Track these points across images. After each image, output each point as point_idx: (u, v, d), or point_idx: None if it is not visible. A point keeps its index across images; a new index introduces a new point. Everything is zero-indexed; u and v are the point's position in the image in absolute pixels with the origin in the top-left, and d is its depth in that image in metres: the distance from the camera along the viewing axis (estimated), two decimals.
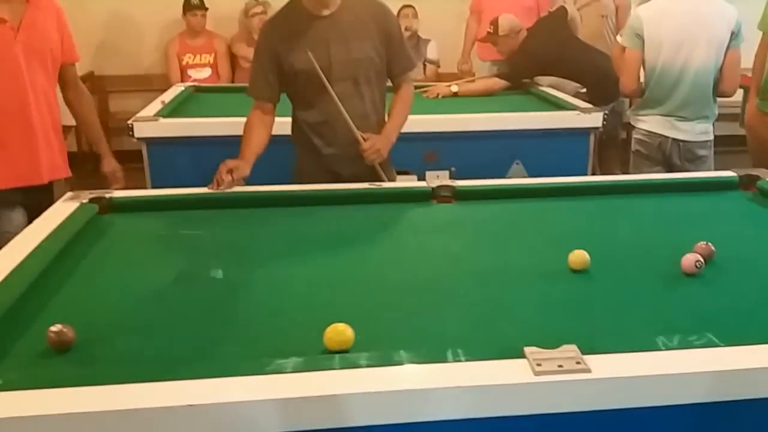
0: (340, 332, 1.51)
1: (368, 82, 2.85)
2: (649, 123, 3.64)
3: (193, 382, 1.33)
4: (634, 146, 3.73)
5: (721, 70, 3.54)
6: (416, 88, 4.87)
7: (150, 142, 3.57)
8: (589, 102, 4.28)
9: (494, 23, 4.85)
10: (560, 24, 4.87)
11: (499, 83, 4.70)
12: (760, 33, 3.64)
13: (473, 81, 5.02)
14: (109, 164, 3.14)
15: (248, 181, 2.66)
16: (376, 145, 2.80)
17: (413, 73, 3.09)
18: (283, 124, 2.95)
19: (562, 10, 4.95)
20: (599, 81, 4.59)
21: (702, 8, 3.49)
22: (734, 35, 3.49)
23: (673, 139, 3.57)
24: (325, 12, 2.77)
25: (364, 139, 2.79)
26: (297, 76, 2.78)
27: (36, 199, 2.75)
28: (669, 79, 3.54)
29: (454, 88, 4.67)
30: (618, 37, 3.96)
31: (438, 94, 4.66)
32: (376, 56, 2.82)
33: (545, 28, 4.97)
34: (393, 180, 2.95)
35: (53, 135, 2.92)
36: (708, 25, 3.47)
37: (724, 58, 3.52)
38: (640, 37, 3.56)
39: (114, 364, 1.48)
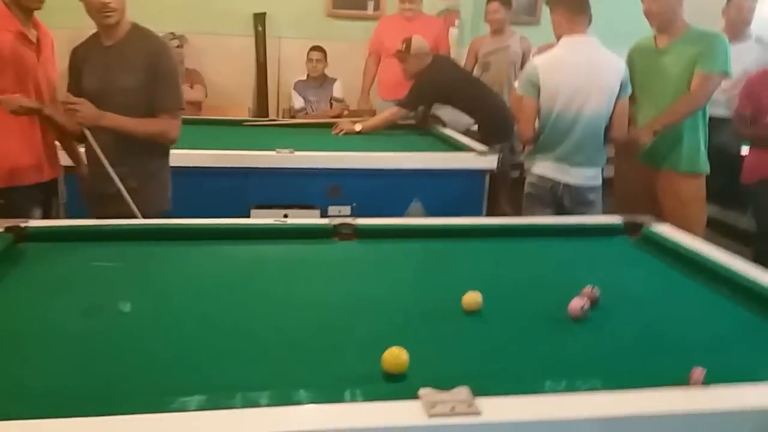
0: (395, 356, 1.56)
1: (130, 111, 2.90)
2: (541, 167, 3.71)
3: (93, 420, 1.30)
4: (527, 188, 3.80)
5: (611, 118, 3.64)
6: (323, 125, 4.99)
7: (67, 171, 3.43)
8: (480, 140, 4.39)
9: (407, 42, 4.95)
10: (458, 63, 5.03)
11: (398, 112, 4.81)
12: None
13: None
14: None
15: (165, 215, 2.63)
16: (82, 112, 2.83)
17: (175, 116, 3.03)
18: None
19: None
20: (492, 120, 4.75)
21: (595, 59, 3.59)
22: (623, 86, 3.61)
23: (565, 184, 3.63)
24: (108, 42, 2.96)
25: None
26: (87, 96, 2.88)
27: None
28: (563, 126, 3.61)
29: (358, 127, 4.72)
30: (515, 84, 4.06)
31: (342, 131, 4.69)
32: (139, 88, 2.91)
33: (448, 61, 5.11)
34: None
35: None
36: (600, 75, 3.57)
37: (615, 106, 3.62)
38: (535, 86, 3.65)
39: (13, 398, 1.43)
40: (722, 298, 2.16)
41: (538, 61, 3.70)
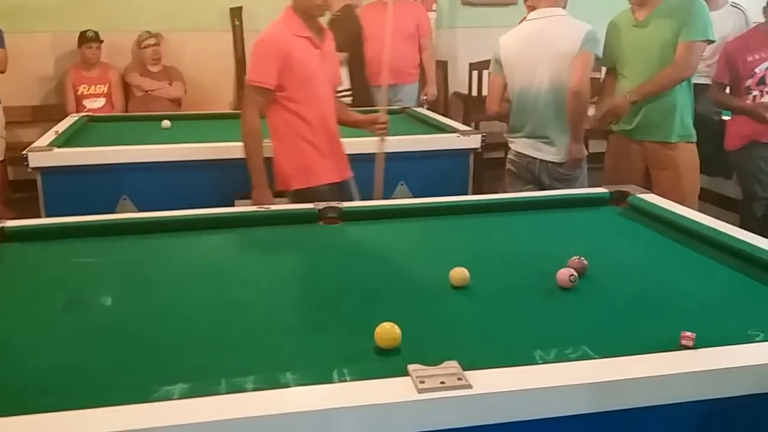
0: (388, 330, 1.54)
1: None
2: (517, 144, 3.68)
3: (78, 413, 1.27)
4: (507, 165, 3.77)
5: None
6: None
7: (44, 171, 3.45)
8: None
9: None
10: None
11: None
12: None
13: None
14: None
15: (141, 208, 2.59)
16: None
17: None
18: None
19: None
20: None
21: (549, 29, 3.49)
22: (581, 45, 3.41)
23: (540, 160, 3.57)
24: None
25: None
26: None
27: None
28: (528, 101, 3.55)
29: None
30: None
31: None
32: None
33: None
34: None
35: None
36: (554, 43, 3.46)
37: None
38: (499, 63, 3.64)
39: None
40: (710, 261, 2.13)
41: (501, 38, 3.67)
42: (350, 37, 4.99)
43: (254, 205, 2.86)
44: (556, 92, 3.49)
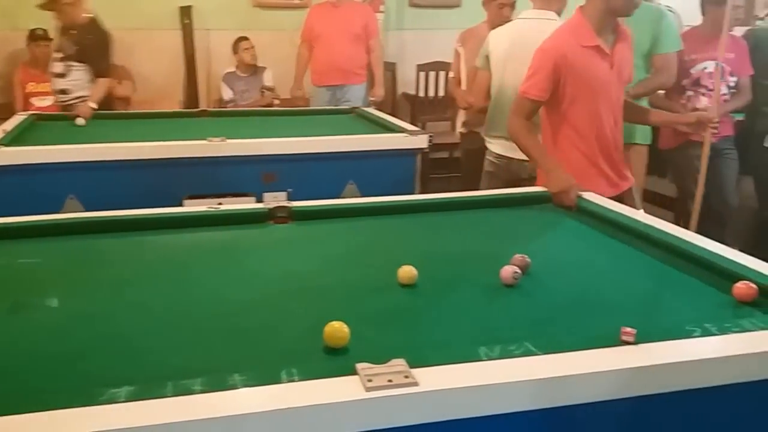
0: (336, 329, 1.52)
1: None
2: (495, 146, 3.66)
3: (20, 417, 1.21)
4: (486, 166, 3.73)
5: None
6: (250, 114, 4.91)
7: None
8: None
9: None
10: None
11: None
12: None
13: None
14: None
15: (88, 207, 2.51)
16: None
17: None
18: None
19: None
20: None
21: (535, 33, 3.38)
22: None
23: (519, 160, 3.50)
24: None
25: None
26: None
27: None
28: (506, 100, 3.50)
29: None
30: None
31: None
32: None
33: None
34: None
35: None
36: (532, 45, 3.34)
37: None
38: (487, 58, 3.63)
39: None
40: (649, 259, 2.16)
41: (492, 33, 3.66)
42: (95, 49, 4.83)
43: (557, 199, 2.71)
44: None
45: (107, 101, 4.82)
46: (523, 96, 2.99)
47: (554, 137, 3.04)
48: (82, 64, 4.76)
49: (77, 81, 4.78)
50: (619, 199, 2.89)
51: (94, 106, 4.57)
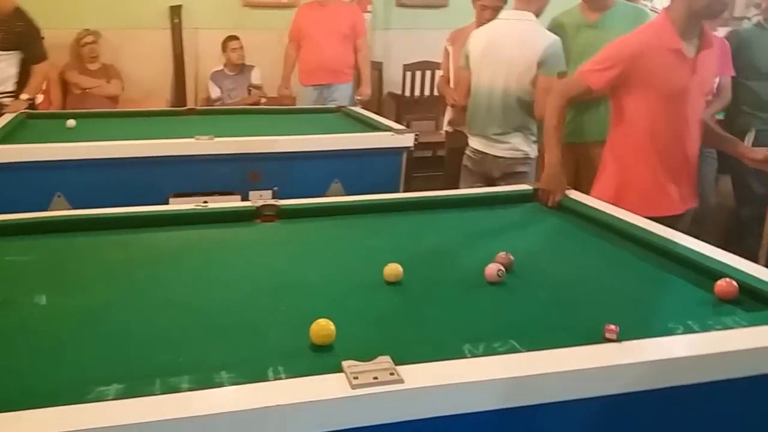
0: (323, 326, 1.52)
1: None
2: (473, 141, 3.69)
3: (11, 415, 1.21)
4: (464, 161, 3.77)
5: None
6: (237, 112, 4.89)
7: None
8: None
9: None
10: None
11: None
12: None
13: None
14: None
15: (75, 205, 2.48)
16: None
17: None
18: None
19: None
20: None
21: (511, 33, 3.46)
22: (544, 63, 3.41)
23: (493, 156, 3.56)
24: None
25: None
26: None
27: None
28: (482, 98, 3.56)
29: None
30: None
31: None
32: None
33: None
34: None
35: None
36: (510, 50, 3.45)
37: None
38: (468, 58, 3.65)
39: None
40: (631, 256, 2.17)
41: (473, 33, 3.68)
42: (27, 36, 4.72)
43: (543, 194, 2.69)
44: (506, 97, 3.51)
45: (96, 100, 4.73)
46: (580, 77, 2.89)
47: (620, 141, 2.93)
48: (8, 53, 4.65)
49: (3, 72, 4.67)
50: (675, 219, 2.74)
51: (28, 96, 4.48)
